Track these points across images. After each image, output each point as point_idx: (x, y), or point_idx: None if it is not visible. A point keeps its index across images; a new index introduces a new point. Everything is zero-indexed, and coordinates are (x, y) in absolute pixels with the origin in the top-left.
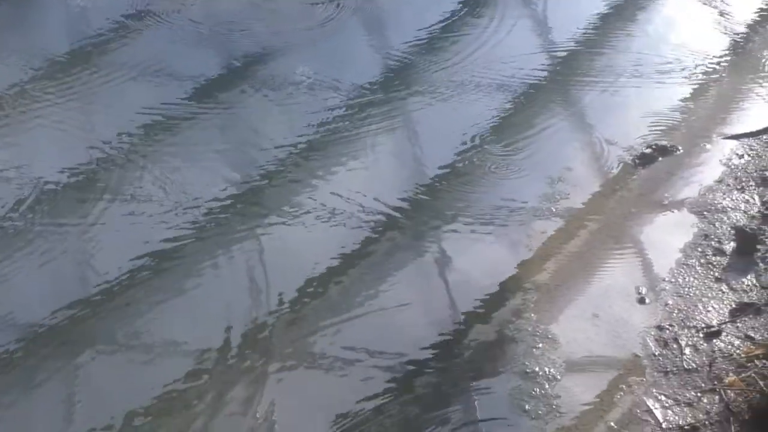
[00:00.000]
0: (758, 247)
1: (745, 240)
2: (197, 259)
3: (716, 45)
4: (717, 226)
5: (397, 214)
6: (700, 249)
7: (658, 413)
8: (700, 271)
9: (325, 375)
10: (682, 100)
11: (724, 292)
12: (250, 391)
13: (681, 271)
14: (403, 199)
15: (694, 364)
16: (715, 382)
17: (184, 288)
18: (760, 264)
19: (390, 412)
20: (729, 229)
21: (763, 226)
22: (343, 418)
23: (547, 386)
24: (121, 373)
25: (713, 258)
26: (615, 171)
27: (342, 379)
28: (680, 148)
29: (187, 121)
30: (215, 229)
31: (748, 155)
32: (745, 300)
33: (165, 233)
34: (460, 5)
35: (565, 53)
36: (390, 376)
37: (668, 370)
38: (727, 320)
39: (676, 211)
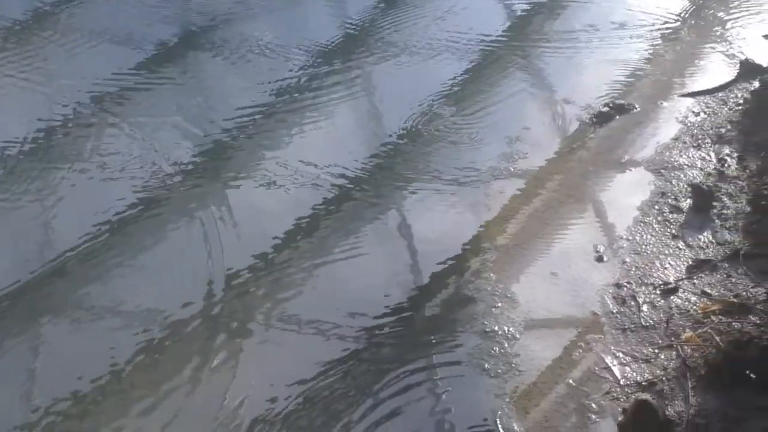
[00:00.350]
0: (714, 203)
1: (702, 197)
2: (162, 220)
3: (673, 5)
4: (674, 183)
5: (358, 177)
6: (657, 207)
7: (616, 370)
8: (657, 229)
9: (287, 334)
10: (638, 60)
11: (680, 249)
12: (214, 350)
13: (638, 229)
14: (363, 162)
15: (651, 321)
16: (673, 339)
17: (148, 249)
18: (717, 221)
19: (350, 370)
20: (685, 186)
21: (719, 183)
22: (304, 376)
23: (506, 345)
24: (85, 337)
25: (670, 215)
26: (573, 130)
27: (303, 337)
28: (637, 106)
29: (148, 85)
30: (180, 190)
31: (704, 113)
32: (702, 257)
33: (129, 195)
34: None
35: (522, 15)
36: (351, 335)
37: (626, 327)
38: (683, 277)
39: (633, 169)
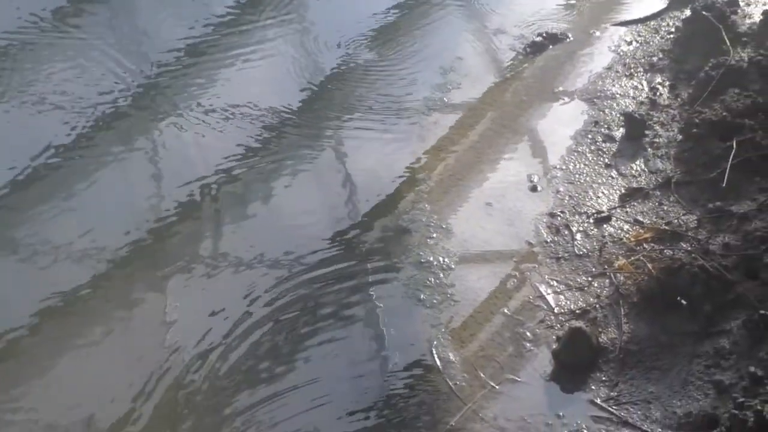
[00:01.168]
0: (646, 132)
1: (634, 126)
2: (91, 159)
3: None
4: (607, 112)
5: (293, 112)
6: (590, 136)
7: (550, 299)
8: (590, 158)
9: (226, 273)
10: None
11: (613, 178)
12: (148, 292)
13: (572, 159)
14: (298, 97)
15: (585, 250)
16: (606, 267)
17: (78, 188)
18: (649, 149)
19: (289, 305)
20: (618, 115)
21: (651, 112)
22: (243, 313)
23: (441, 275)
24: (21, 277)
25: (603, 144)
26: (506, 60)
27: (241, 275)
28: (570, 36)
29: (76, 21)
30: (110, 129)
31: (637, 42)
32: (634, 185)
33: (60, 132)
34: None
35: None
36: (289, 271)
37: (560, 256)
38: (616, 206)
39: (566, 98)
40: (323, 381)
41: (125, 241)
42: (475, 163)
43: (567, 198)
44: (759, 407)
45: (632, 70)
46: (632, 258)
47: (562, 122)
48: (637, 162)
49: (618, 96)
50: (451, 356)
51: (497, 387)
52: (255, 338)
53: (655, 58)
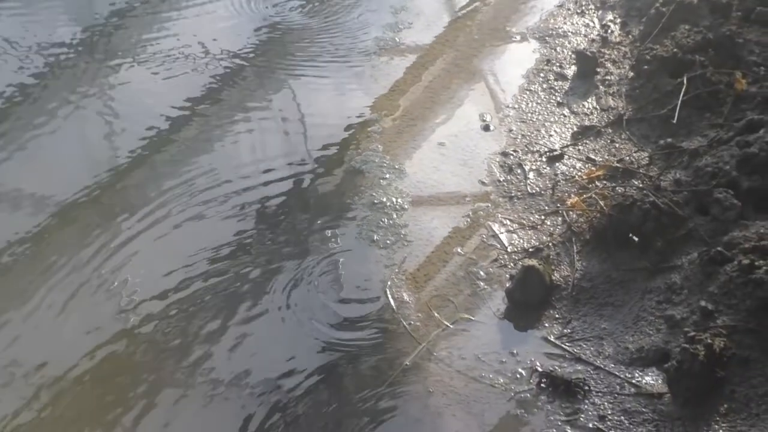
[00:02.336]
0: (598, 69)
1: (586, 63)
2: (43, 104)
3: None
4: (558, 51)
5: (246, 57)
6: (542, 74)
7: (503, 237)
8: (542, 96)
9: (179, 220)
10: None
11: (565, 116)
12: (104, 237)
13: (524, 97)
14: (250, 44)
15: (537, 188)
16: (558, 205)
17: (31, 133)
18: (600, 87)
19: (245, 247)
20: (570, 53)
21: (602, 49)
22: (197, 256)
23: (394, 216)
24: None
25: (555, 83)
26: None
27: (196, 222)
28: None
29: None
30: (62, 72)
31: None
32: (586, 123)
33: (9, 78)
34: None
35: None
36: (244, 215)
37: (513, 195)
38: (569, 144)
39: (518, 37)
40: (279, 321)
41: (75, 189)
42: (428, 104)
43: (519, 137)
44: (709, 341)
45: (584, 8)
46: (584, 196)
47: (514, 61)
48: (589, 100)
49: (570, 34)
50: (406, 296)
51: (451, 326)
52: (213, 274)
53: None
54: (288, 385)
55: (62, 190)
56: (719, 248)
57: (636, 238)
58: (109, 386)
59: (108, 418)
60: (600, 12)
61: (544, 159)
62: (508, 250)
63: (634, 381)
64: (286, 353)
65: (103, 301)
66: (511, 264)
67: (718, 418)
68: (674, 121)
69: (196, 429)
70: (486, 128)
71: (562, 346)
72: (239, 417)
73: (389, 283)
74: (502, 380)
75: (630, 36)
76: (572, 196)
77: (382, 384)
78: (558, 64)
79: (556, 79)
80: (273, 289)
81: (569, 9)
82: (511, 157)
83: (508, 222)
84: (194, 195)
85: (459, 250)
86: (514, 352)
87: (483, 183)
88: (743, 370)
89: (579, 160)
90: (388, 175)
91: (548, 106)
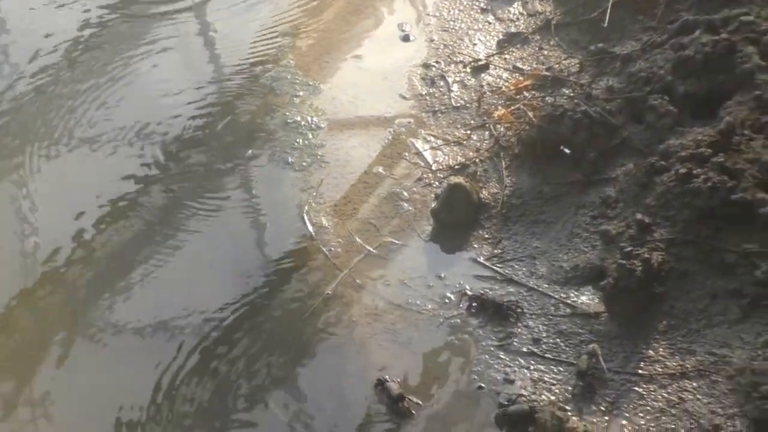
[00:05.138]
0: None
1: None
2: None
3: None
4: None
5: None
6: None
7: (427, 155)
8: (465, 3)
9: (87, 155)
10: None
11: (490, 23)
12: (13, 175)
13: (446, 4)
14: None
15: (462, 101)
16: (485, 118)
17: None
18: None
19: (152, 177)
20: None
21: None
22: (109, 198)
23: (310, 136)
24: None
25: None
26: None
27: (106, 159)
28: None
29: None
30: None
31: None
32: (512, 30)
33: None
34: None
35: None
36: (153, 153)
37: (436, 109)
38: (494, 53)
39: None
40: (193, 254)
41: None
42: (343, 15)
43: (442, 47)
44: (647, 255)
45: None
46: (512, 107)
47: None
48: (515, 5)
49: None
50: (324, 221)
51: (374, 251)
52: (127, 202)
53: None
54: (205, 320)
55: None
56: (655, 157)
57: (567, 150)
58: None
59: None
60: None
61: (468, 70)
62: (433, 168)
63: (569, 301)
64: (201, 288)
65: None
66: (436, 182)
67: (657, 336)
68: (605, 25)
69: (119, 371)
70: (406, 38)
71: (493, 267)
72: (161, 355)
73: (306, 207)
74: (429, 306)
75: None
76: (499, 108)
77: (302, 315)
78: None
79: None
80: (184, 220)
81: None
82: (434, 68)
83: (432, 138)
84: (100, 122)
85: (380, 170)
86: (442, 275)
87: (404, 97)
88: (682, 285)
89: (505, 69)
90: (301, 92)
91: (471, 12)
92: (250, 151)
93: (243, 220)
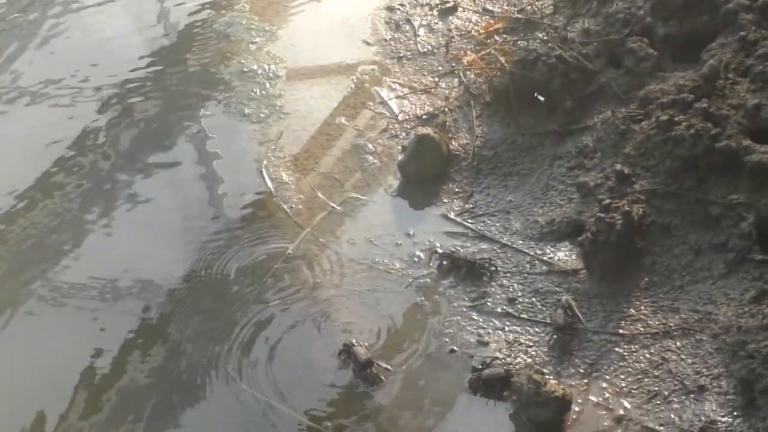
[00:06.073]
0: None
1: None
2: None
3: None
4: None
5: None
6: None
7: (393, 104)
8: None
9: (31, 105)
10: None
11: None
12: None
13: None
14: None
15: (429, 46)
16: (454, 64)
17: None
18: None
19: (107, 141)
20: None
21: None
22: (55, 152)
23: (267, 85)
24: None
25: None
26: None
27: (51, 110)
28: None
29: None
30: None
31: None
32: None
33: None
34: None
35: None
36: (102, 100)
37: (402, 55)
38: None
39: None
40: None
41: None
42: None
43: None
44: (627, 208)
45: None
46: (483, 52)
47: None
48: None
49: None
50: (284, 176)
51: (338, 208)
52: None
53: None
54: (155, 283)
55: None
56: (634, 104)
57: (542, 98)
58: None
59: None
60: None
61: (435, 12)
62: (399, 118)
63: (545, 258)
64: (152, 250)
65: None
66: (403, 134)
67: (638, 293)
68: None
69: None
70: None
71: (464, 223)
72: (110, 320)
73: (265, 162)
74: (398, 265)
75: None
76: (469, 53)
77: (262, 277)
78: None
79: None
80: (132, 177)
81: None
82: (398, 11)
83: (398, 86)
84: (43, 71)
85: (343, 121)
86: (411, 232)
87: (367, 43)
88: (664, 239)
89: (475, 12)
90: (257, 39)
91: None
92: (203, 103)
93: (196, 177)
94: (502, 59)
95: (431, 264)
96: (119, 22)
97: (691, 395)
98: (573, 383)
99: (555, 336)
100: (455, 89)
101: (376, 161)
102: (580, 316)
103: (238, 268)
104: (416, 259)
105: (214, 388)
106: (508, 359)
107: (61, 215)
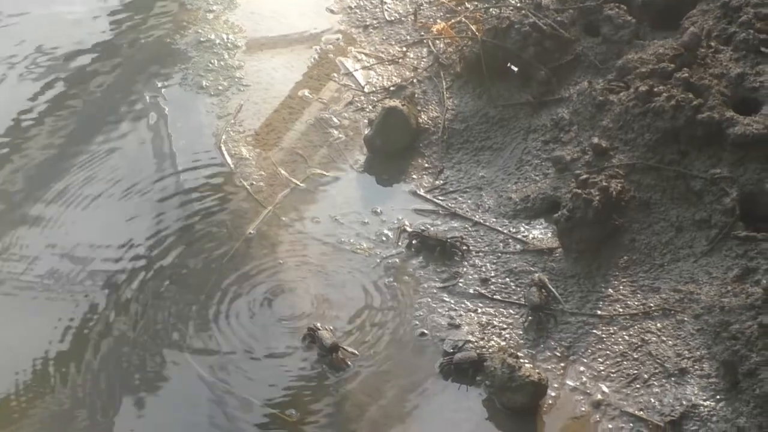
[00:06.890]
0: None
1: None
2: None
3: None
4: None
5: None
6: None
7: (359, 75)
8: None
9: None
10: None
11: None
12: None
13: None
14: None
15: (397, 14)
16: (422, 33)
17: None
18: None
19: (57, 112)
20: None
21: None
22: (24, 116)
23: (226, 56)
24: None
25: None
26: None
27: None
28: None
29: None
30: None
31: None
32: None
33: None
34: None
35: None
36: (49, 74)
37: (368, 24)
38: None
39: None
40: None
41: None
42: None
43: None
44: (605, 183)
45: None
46: (452, 20)
47: None
48: None
49: None
50: (245, 152)
51: (302, 185)
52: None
53: None
54: (109, 264)
55: None
56: (612, 74)
57: (515, 68)
58: None
59: None
60: None
61: None
62: (365, 90)
63: (519, 236)
64: (104, 228)
65: None
66: (370, 106)
67: (617, 273)
68: None
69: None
70: None
71: (434, 200)
72: (64, 304)
73: (224, 136)
74: (365, 245)
75: None
76: (438, 21)
77: (222, 258)
78: None
79: None
80: (84, 151)
81: None
82: None
83: (364, 56)
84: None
85: (306, 93)
86: (378, 210)
87: (331, 11)
88: (644, 216)
89: None
90: (215, 6)
91: None
92: (158, 76)
93: (151, 152)
94: (473, 27)
95: (400, 243)
96: None
97: (672, 378)
98: (549, 367)
99: (530, 317)
100: (424, 59)
101: (341, 136)
102: (556, 293)
103: (195, 250)
104: (384, 238)
105: (172, 376)
106: (481, 342)
107: (9, 194)
